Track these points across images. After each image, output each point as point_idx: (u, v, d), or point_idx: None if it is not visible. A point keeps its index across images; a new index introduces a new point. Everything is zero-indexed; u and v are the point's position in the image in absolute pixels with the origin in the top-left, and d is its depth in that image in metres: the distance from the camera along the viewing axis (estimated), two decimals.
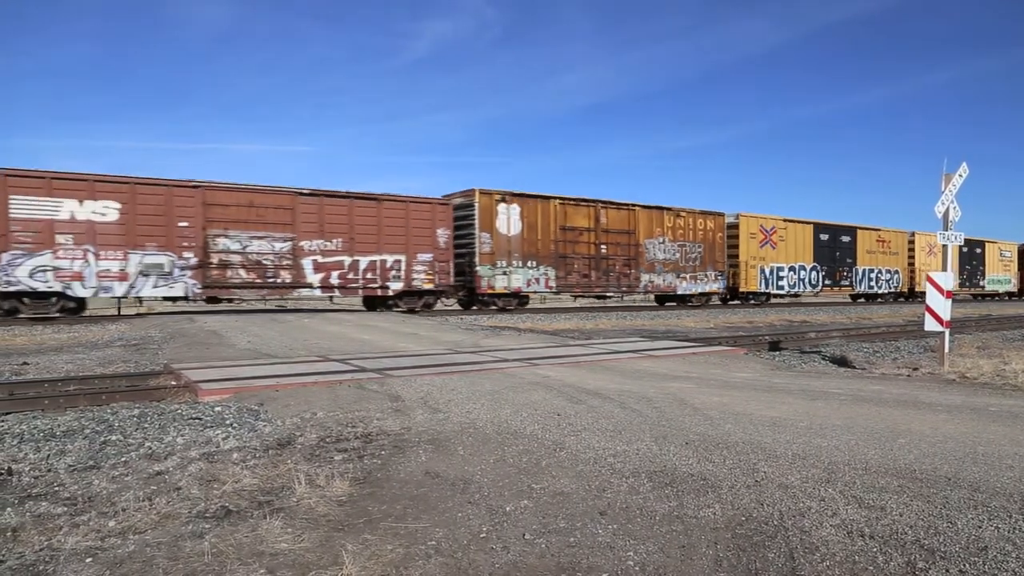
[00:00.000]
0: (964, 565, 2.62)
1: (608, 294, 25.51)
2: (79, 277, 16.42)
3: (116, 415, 5.63)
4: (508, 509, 3.33)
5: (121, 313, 18.66)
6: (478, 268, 21.58)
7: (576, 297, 25.44)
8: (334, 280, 19.48)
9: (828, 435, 4.74)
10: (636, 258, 25.18)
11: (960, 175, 9.13)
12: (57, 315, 16.45)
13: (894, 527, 3.00)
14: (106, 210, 16.62)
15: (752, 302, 29.49)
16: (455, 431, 4.95)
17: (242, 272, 18.40)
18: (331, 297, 20.59)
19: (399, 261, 20.33)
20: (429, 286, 20.99)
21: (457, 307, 23.07)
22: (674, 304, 23.99)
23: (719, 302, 29.26)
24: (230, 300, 19.16)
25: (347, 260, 19.60)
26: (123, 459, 4.32)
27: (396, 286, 20.42)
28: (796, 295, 31.43)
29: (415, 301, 20.98)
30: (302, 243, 18.94)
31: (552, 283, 23.29)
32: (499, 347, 10.85)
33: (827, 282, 32.29)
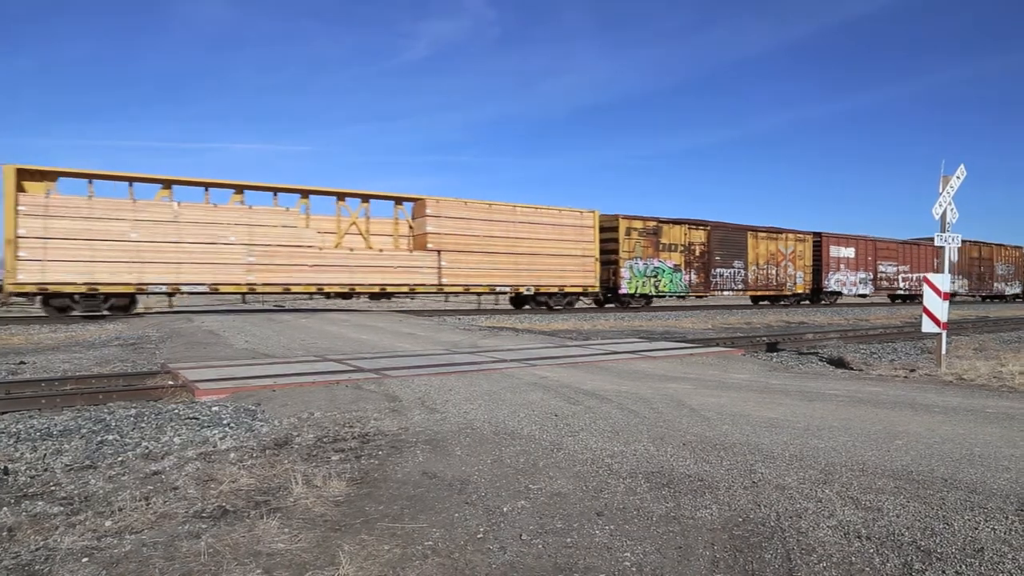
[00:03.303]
0: (960, 566, 2.63)
1: (983, 295, 43.78)
2: (845, 283, 34.32)
3: (113, 415, 5.63)
4: (505, 510, 3.32)
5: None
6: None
7: (972, 296, 43.36)
8: (905, 287, 37.75)
9: (825, 436, 4.75)
10: (992, 274, 43.64)
11: (958, 177, 9.15)
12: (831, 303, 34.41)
13: (891, 528, 3.01)
14: (850, 251, 34.50)
15: (1019, 301, 45.58)
16: (452, 431, 4.95)
17: (884, 283, 36.57)
18: (888, 294, 39.11)
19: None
20: None
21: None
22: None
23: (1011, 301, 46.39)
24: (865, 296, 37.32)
25: (910, 276, 37.91)
26: (120, 459, 4.31)
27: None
28: None
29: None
30: (899, 267, 37.49)
31: (966, 289, 41.23)
32: (497, 347, 10.85)
33: None
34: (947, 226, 9.18)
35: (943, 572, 2.59)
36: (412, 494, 3.58)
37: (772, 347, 12.34)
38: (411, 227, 21.53)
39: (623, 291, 25.32)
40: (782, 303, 32.07)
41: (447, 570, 2.67)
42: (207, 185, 18.64)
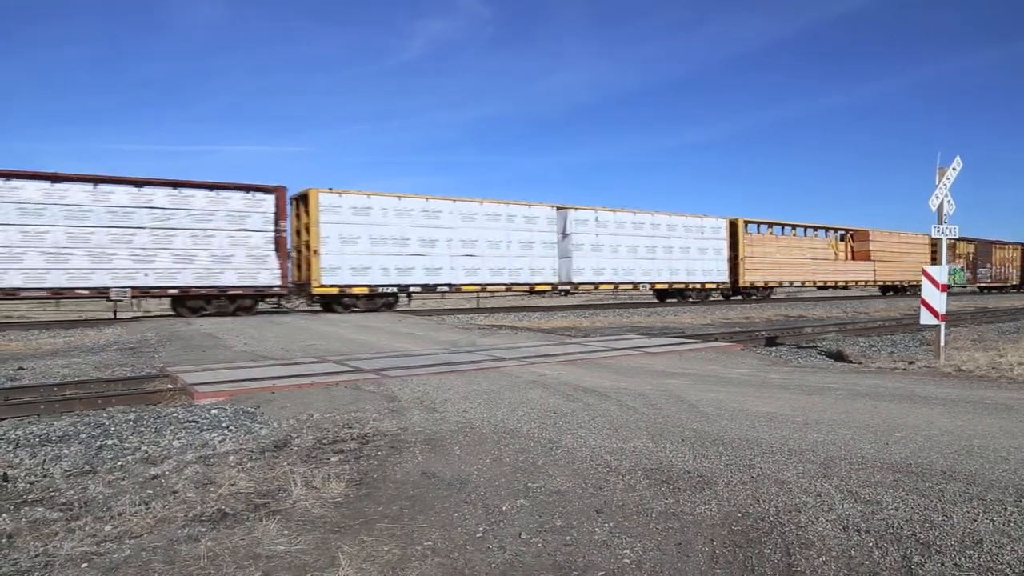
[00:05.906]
0: (959, 559, 2.63)
1: None
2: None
3: (112, 419, 5.62)
4: (504, 508, 3.33)
5: (117, 316, 18.64)
6: None
7: None
8: None
9: (824, 430, 4.75)
10: None
11: (954, 168, 9.15)
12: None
13: (890, 521, 3.01)
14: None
15: None
16: (451, 431, 4.95)
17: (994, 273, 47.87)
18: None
19: None
20: None
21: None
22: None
23: None
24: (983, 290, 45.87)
25: None
26: (119, 463, 4.31)
27: None
28: None
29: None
30: None
31: None
32: (496, 346, 10.85)
33: None
34: (944, 218, 9.18)
35: (942, 564, 2.59)
36: (411, 494, 3.58)
37: (771, 341, 12.35)
38: (851, 246, 36.71)
39: None
40: (1000, 291, 45.14)
41: (447, 570, 2.67)
42: (781, 225, 33.22)
